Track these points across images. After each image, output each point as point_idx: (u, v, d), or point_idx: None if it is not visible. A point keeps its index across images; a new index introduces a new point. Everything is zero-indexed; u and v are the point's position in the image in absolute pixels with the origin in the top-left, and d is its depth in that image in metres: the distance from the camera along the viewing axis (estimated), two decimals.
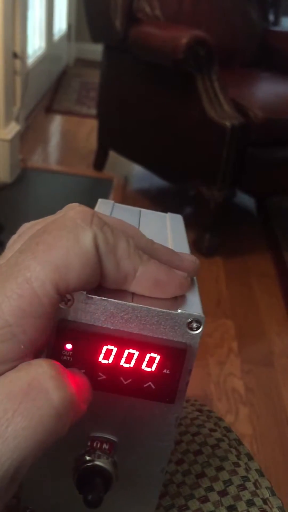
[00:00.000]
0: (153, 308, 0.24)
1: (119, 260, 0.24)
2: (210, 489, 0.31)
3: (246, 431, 1.24)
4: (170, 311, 0.24)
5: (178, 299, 0.25)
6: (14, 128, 2.13)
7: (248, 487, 0.31)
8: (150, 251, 0.25)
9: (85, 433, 0.27)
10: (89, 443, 0.27)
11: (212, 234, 1.85)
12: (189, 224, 1.55)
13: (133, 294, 0.25)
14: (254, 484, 0.31)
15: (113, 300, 0.24)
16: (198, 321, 0.24)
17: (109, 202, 0.32)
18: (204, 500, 0.30)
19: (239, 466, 0.32)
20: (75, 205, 0.25)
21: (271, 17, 2.39)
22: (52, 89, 3.59)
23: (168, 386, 0.25)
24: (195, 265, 0.27)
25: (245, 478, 0.32)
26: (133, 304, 0.24)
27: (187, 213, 2.18)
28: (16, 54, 2.13)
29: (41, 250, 0.22)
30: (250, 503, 0.30)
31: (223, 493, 0.31)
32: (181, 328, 0.24)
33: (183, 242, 0.31)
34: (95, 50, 2.77)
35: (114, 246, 0.23)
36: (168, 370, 0.24)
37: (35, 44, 3.17)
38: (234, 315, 1.63)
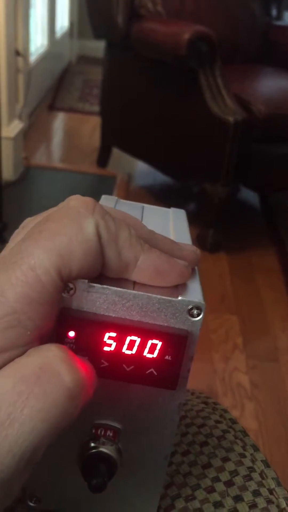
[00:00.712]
0: (154, 295, 0.24)
1: (121, 248, 0.24)
2: (216, 479, 0.31)
3: (251, 426, 1.24)
4: (171, 298, 0.24)
5: (179, 287, 0.26)
6: (17, 126, 2.13)
7: (254, 477, 0.31)
8: (151, 241, 0.26)
9: (89, 421, 0.27)
10: (93, 431, 0.27)
11: (216, 230, 1.85)
12: (193, 220, 1.54)
13: (134, 282, 0.25)
14: (260, 474, 0.32)
15: (114, 288, 0.24)
16: (198, 308, 0.25)
17: (113, 198, 0.33)
18: (211, 490, 0.31)
19: (245, 457, 0.33)
20: (77, 196, 0.25)
21: (274, 12, 2.39)
22: (54, 87, 3.59)
23: (170, 372, 0.25)
24: (195, 255, 0.27)
25: (251, 469, 0.32)
26: (134, 291, 0.24)
27: (190, 209, 2.18)
28: (18, 52, 2.13)
29: (44, 237, 0.23)
30: (256, 493, 0.30)
31: (229, 484, 0.31)
32: (182, 315, 0.25)
33: (185, 236, 0.32)
34: (98, 47, 2.76)
35: (115, 235, 0.24)
36: (169, 357, 0.25)
37: (37, 41, 3.17)
38: (239, 311, 1.63)
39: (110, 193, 2.17)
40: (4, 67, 1.95)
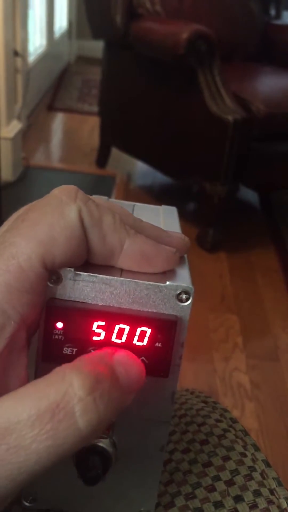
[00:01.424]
0: (141, 281, 0.24)
1: (105, 233, 0.24)
2: (217, 478, 0.31)
3: (252, 426, 1.23)
4: (158, 283, 0.24)
5: (167, 273, 0.25)
6: (16, 126, 2.13)
7: (255, 477, 0.31)
8: (138, 227, 0.26)
9: None
10: None
11: (215, 230, 1.85)
12: (192, 220, 1.54)
13: (122, 270, 0.25)
14: (261, 474, 0.31)
15: (101, 275, 0.24)
16: (187, 293, 0.24)
17: (103, 198, 0.33)
18: (211, 489, 0.30)
19: (245, 456, 0.32)
20: (60, 186, 0.25)
21: (272, 11, 2.38)
22: (53, 87, 3.59)
23: (161, 359, 0.25)
24: (183, 242, 0.27)
25: (252, 468, 0.31)
26: (121, 278, 0.24)
27: (190, 208, 2.17)
28: (17, 52, 2.13)
29: (26, 226, 0.23)
30: (257, 493, 0.30)
31: (230, 483, 0.30)
32: (170, 301, 0.24)
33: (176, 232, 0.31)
34: (96, 47, 2.76)
35: (99, 220, 0.24)
36: (160, 343, 0.24)
37: (36, 42, 3.17)
38: (239, 310, 1.63)
39: (109, 193, 2.16)
40: (2, 68, 1.95)
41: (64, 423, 0.20)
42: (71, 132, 2.93)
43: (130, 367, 0.22)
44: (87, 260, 0.24)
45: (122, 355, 0.22)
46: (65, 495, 0.29)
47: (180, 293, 0.24)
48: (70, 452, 0.20)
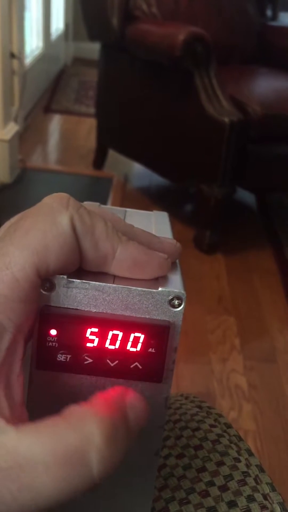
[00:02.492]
0: (134, 287, 0.24)
1: (97, 239, 0.24)
2: (210, 483, 0.31)
3: (249, 428, 1.23)
4: (151, 289, 0.24)
5: (159, 279, 0.26)
6: (12, 128, 2.13)
7: (249, 482, 0.31)
8: (130, 234, 0.26)
9: None
10: None
11: (212, 231, 1.85)
12: (189, 222, 1.54)
13: (115, 276, 0.25)
14: (255, 479, 0.31)
15: (94, 282, 0.24)
16: (179, 298, 0.25)
17: (95, 204, 0.33)
18: (205, 494, 0.30)
19: (239, 461, 0.32)
20: (52, 194, 0.25)
21: (269, 13, 2.39)
22: (50, 89, 3.59)
23: (154, 365, 0.25)
24: (175, 248, 0.27)
25: (246, 474, 0.31)
26: (114, 285, 0.24)
27: (187, 210, 2.17)
28: (13, 54, 2.13)
29: (19, 235, 0.23)
30: (250, 498, 0.30)
31: (223, 488, 0.30)
32: (163, 306, 0.25)
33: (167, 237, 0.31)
34: (93, 49, 2.76)
35: (91, 227, 0.24)
36: (153, 349, 0.25)
37: (32, 43, 3.17)
38: (236, 312, 1.63)
39: (106, 195, 2.16)
40: None
41: (78, 469, 0.19)
42: (68, 134, 2.93)
43: (140, 412, 0.22)
44: (80, 267, 0.24)
45: (135, 400, 0.22)
46: None
47: (172, 299, 0.25)
48: (77, 495, 0.20)
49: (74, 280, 0.24)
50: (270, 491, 0.30)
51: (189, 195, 2.21)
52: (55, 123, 3.11)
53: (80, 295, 0.24)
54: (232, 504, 0.30)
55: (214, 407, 0.39)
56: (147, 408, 0.22)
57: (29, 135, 2.73)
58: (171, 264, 0.26)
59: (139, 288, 0.24)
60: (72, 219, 0.23)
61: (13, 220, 0.25)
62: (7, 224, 0.26)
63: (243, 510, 0.29)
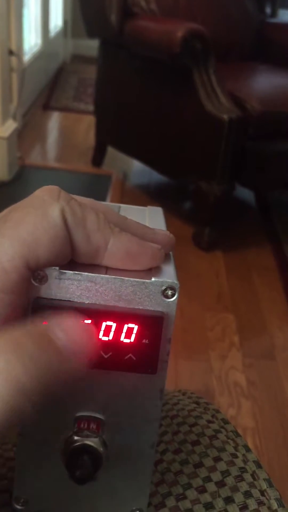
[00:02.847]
0: (127, 278, 0.24)
1: (89, 232, 0.24)
2: (207, 479, 0.31)
3: (248, 425, 1.23)
4: (144, 280, 0.24)
5: (153, 270, 0.25)
6: (11, 125, 2.13)
7: (246, 478, 0.31)
8: (123, 225, 0.26)
9: (71, 414, 0.27)
10: (76, 424, 0.27)
11: (211, 229, 1.85)
12: (188, 219, 1.54)
13: (107, 268, 0.25)
14: (252, 475, 0.31)
15: (86, 273, 0.24)
16: (172, 288, 0.25)
17: (87, 198, 0.33)
18: (202, 490, 0.30)
19: (236, 457, 0.32)
20: (43, 187, 0.25)
21: (268, 9, 2.38)
22: (49, 86, 3.58)
23: (148, 356, 0.25)
24: (169, 239, 0.27)
25: (243, 469, 0.31)
26: (107, 276, 0.24)
27: (186, 207, 2.17)
28: (12, 51, 2.12)
29: (9, 227, 0.23)
30: (247, 494, 0.30)
31: (220, 484, 0.30)
32: (156, 297, 0.25)
33: None
34: (92, 46, 2.75)
35: (82, 219, 0.24)
36: (147, 340, 0.25)
37: (31, 41, 3.16)
38: (235, 309, 1.63)
39: (105, 192, 2.16)
40: None
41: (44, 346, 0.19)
42: (67, 131, 2.93)
43: (69, 327, 0.21)
44: (72, 259, 0.24)
45: (59, 319, 0.21)
46: (56, 497, 0.29)
47: (165, 289, 0.24)
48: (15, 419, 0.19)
49: (66, 271, 0.24)
50: (267, 487, 0.30)
51: (188, 193, 2.21)
52: (54, 121, 3.11)
53: (73, 286, 0.24)
54: (229, 500, 0.30)
55: (213, 403, 0.39)
56: (84, 326, 0.22)
57: (27, 132, 2.73)
58: (164, 255, 0.26)
59: (132, 279, 0.24)
60: (63, 211, 0.23)
61: (3, 212, 0.25)
62: None
63: (240, 506, 0.29)
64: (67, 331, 0.21)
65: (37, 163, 2.42)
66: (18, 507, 0.29)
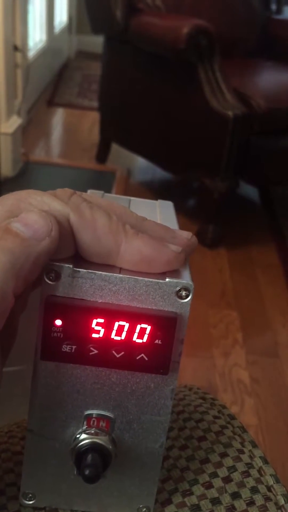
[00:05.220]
0: (140, 278, 0.24)
1: (100, 235, 0.24)
2: (214, 475, 0.31)
3: (251, 422, 1.24)
4: (158, 280, 0.24)
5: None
6: (15, 121, 2.13)
7: (252, 474, 0.31)
8: (140, 227, 0.25)
9: (81, 412, 0.27)
10: (85, 422, 0.27)
11: (215, 225, 1.84)
12: (192, 215, 1.54)
13: (121, 267, 0.25)
14: (258, 471, 0.31)
15: (100, 272, 0.24)
16: (187, 289, 0.24)
17: (99, 193, 0.33)
18: (208, 486, 0.30)
19: (243, 453, 0.32)
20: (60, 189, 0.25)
21: (273, 6, 2.37)
22: (53, 82, 3.58)
23: (160, 356, 0.25)
24: (189, 242, 0.26)
25: (249, 465, 0.31)
26: (120, 275, 0.24)
27: (190, 204, 2.17)
28: (16, 47, 2.12)
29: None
30: (254, 490, 0.30)
31: (227, 480, 0.30)
32: (170, 297, 0.24)
33: (173, 227, 0.31)
34: (97, 43, 2.75)
35: (92, 220, 0.24)
36: (159, 341, 0.24)
37: (36, 37, 3.16)
38: (239, 306, 1.62)
39: (109, 188, 2.16)
40: (2, 63, 1.94)
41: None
42: (71, 127, 2.93)
43: (26, 218, 0.23)
44: (85, 259, 0.24)
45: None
46: (64, 493, 0.29)
47: (179, 290, 0.24)
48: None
49: (80, 269, 0.24)
50: (274, 483, 0.30)
51: (192, 189, 2.20)
52: (58, 117, 3.10)
53: (86, 285, 0.24)
54: (235, 495, 0.30)
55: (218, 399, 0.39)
56: (41, 214, 0.23)
57: (32, 128, 2.73)
58: (184, 258, 0.25)
59: (146, 279, 0.24)
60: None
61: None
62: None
63: (246, 502, 0.29)
64: (24, 221, 0.23)
65: (41, 159, 2.41)
66: (25, 501, 0.29)
